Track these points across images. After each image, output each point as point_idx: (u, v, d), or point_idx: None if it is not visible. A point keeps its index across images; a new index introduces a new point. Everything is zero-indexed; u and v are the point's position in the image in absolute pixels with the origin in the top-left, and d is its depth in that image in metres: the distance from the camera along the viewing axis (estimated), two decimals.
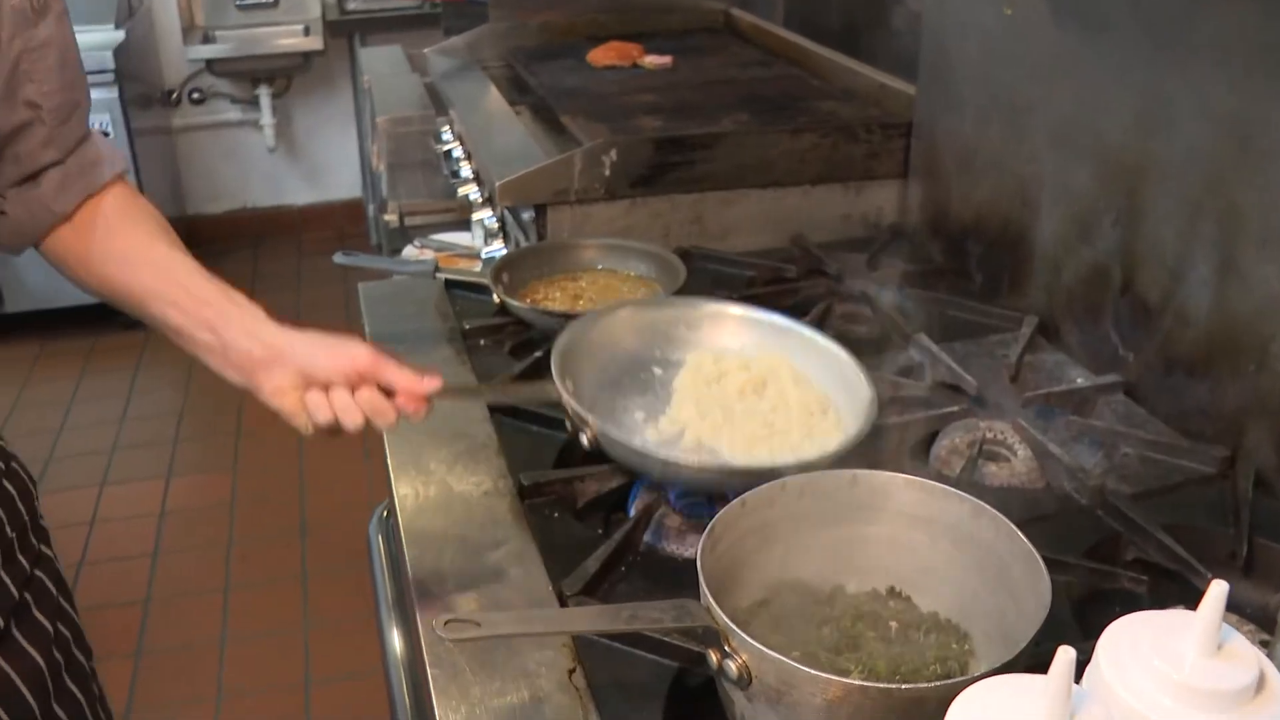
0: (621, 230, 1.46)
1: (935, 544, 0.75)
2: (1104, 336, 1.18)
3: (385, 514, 1.24)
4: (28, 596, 0.90)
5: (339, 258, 1.20)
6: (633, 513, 0.96)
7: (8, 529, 0.90)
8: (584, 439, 0.92)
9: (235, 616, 2.28)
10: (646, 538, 0.92)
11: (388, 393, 0.81)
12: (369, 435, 0.85)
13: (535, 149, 1.53)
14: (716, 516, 0.71)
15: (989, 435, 1.10)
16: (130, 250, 0.87)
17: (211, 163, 4.18)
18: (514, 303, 1.22)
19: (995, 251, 1.36)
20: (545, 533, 0.92)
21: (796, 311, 1.33)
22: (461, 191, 1.85)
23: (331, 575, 2.38)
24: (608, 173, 1.42)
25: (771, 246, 1.52)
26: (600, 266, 1.36)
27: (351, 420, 0.80)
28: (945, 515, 0.74)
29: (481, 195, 1.81)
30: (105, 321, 3.33)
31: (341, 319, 3.18)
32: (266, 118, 4.08)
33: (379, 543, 1.26)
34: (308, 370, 0.80)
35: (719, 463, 0.91)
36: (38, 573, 0.93)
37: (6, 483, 0.92)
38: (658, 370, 1.08)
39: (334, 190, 4.37)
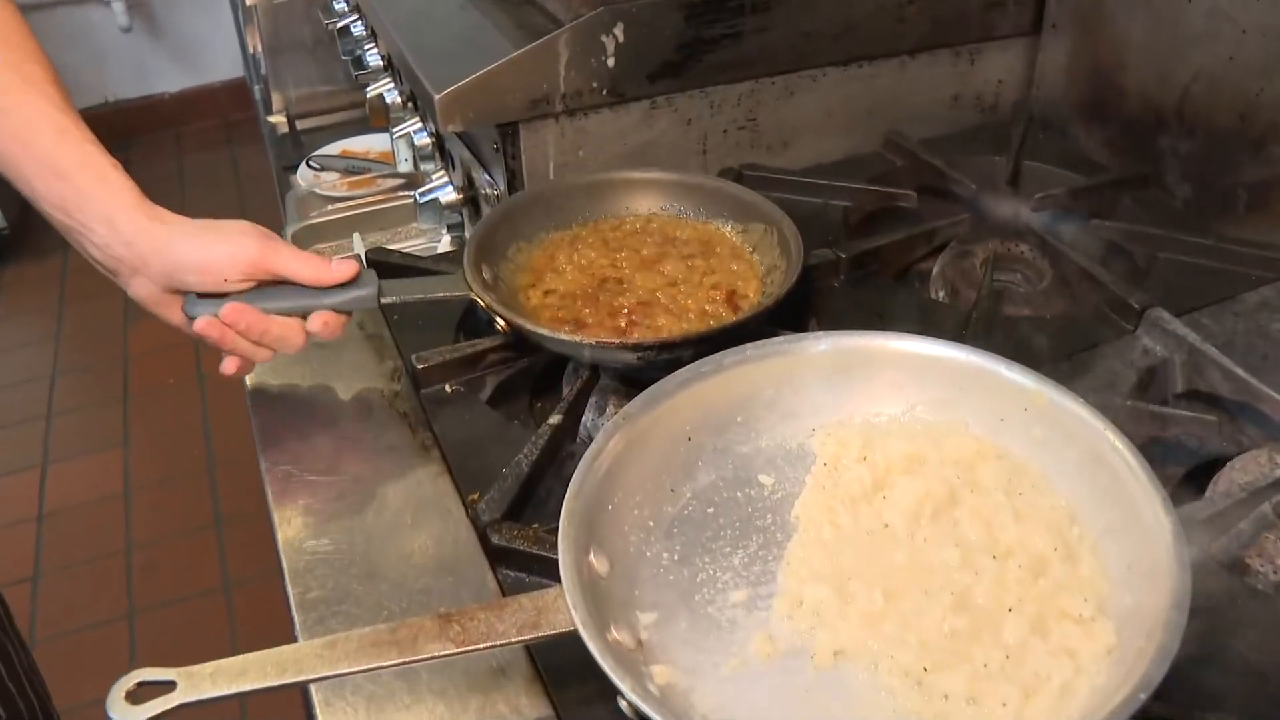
0: (638, 150, 0.95)
1: None
2: None
3: None
4: None
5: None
6: None
7: None
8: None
9: (144, 652, 1.81)
10: None
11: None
12: None
13: (485, 27, 0.98)
14: None
15: None
16: None
17: (54, 52, 3.27)
18: (534, 329, 0.70)
19: (1221, 153, 0.88)
20: None
21: (929, 263, 0.86)
22: (373, 90, 1.30)
23: (262, 580, 1.90)
24: (612, 63, 0.90)
25: (856, 152, 1.03)
26: (647, 211, 0.86)
27: (245, 351, 0.71)
28: None
29: (401, 95, 1.27)
30: None
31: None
32: None
33: None
34: (178, 283, 0.70)
35: None
36: None
37: None
38: (766, 480, 0.60)
39: (211, 71, 3.68)
